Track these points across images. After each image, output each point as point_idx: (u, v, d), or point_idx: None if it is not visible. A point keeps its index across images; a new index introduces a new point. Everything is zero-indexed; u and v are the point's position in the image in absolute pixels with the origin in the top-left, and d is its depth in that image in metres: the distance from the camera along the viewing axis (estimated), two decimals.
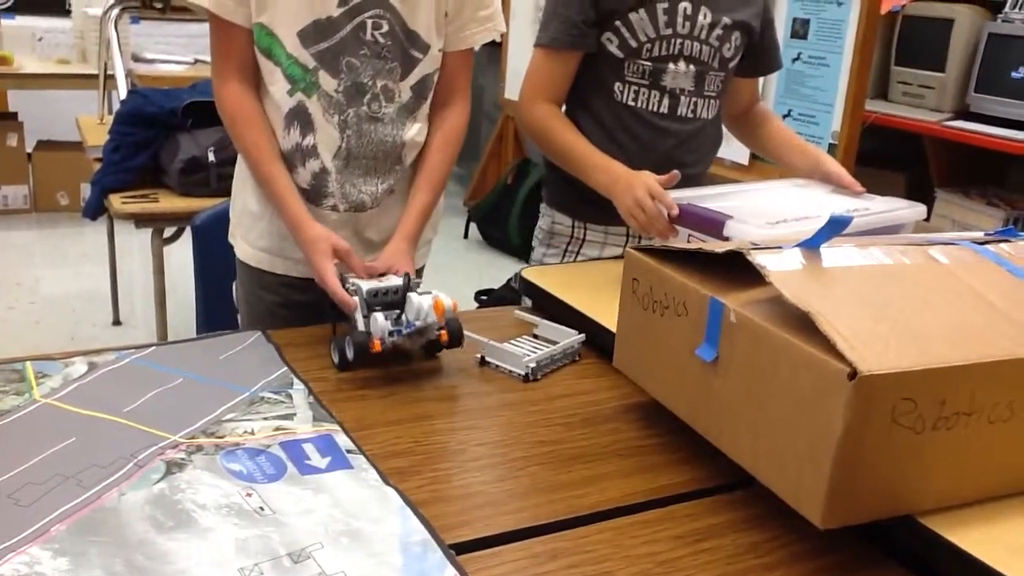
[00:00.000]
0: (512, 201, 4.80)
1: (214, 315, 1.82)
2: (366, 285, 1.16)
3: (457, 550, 0.78)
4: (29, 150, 4.47)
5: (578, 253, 1.61)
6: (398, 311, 1.13)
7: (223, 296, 1.54)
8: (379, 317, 1.11)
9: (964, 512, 0.81)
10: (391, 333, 1.11)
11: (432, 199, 1.43)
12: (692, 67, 1.49)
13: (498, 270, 4.26)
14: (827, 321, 0.75)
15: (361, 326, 1.13)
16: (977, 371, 0.77)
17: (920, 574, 0.80)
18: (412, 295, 1.13)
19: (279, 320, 1.35)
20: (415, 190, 1.45)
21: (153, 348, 1.12)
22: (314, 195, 1.36)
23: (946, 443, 0.78)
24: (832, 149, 2.81)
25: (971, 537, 0.77)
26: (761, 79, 1.72)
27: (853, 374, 0.72)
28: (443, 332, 1.13)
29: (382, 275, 1.22)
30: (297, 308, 1.42)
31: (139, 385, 1.02)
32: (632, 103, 1.50)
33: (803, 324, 0.82)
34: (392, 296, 1.15)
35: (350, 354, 1.10)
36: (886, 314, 0.80)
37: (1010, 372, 0.79)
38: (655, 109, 1.50)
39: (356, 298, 1.15)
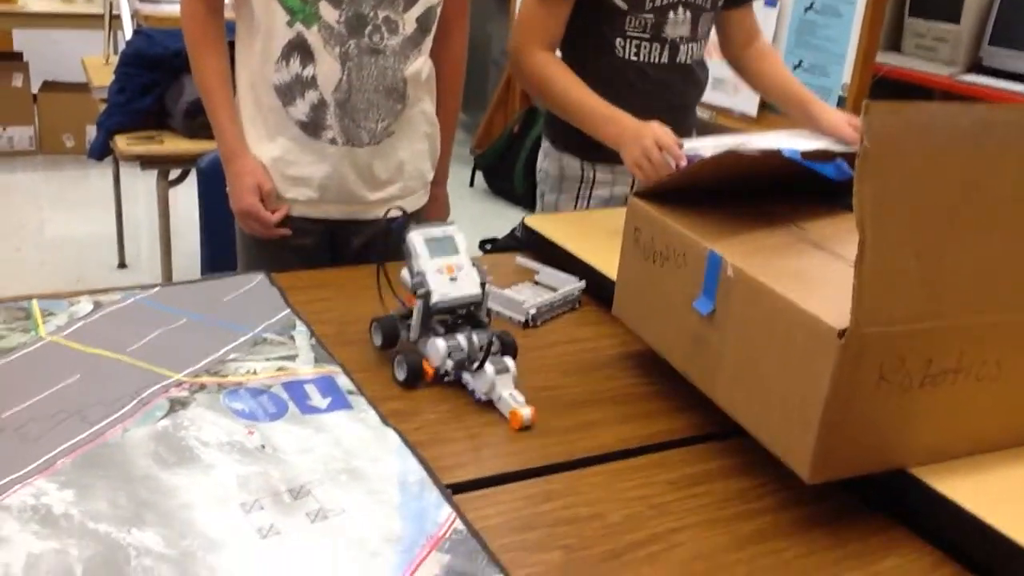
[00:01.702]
0: (518, 150, 4.79)
1: (219, 258, 1.83)
2: (437, 288, 0.96)
3: (453, 490, 0.80)
4: (34, 91, 4.45)
5: (590, 196, 1.61)
6: (464, 346, 0.96)
7: (228, 239, 1.55)
8: (440, 347, 0.95)
9: (952, 464, 0.82)
10: (447, 372, 0.96)
11: (450, 130, 1.45)
12: (688, 13, 1.48)
13: (503, 219, 4.26)
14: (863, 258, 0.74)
15: (415, 334, 0.98)
16: (965, 331, 0.78)
17: (905, 523, 0.82)
18: (488, 368, 0.93)
19: (280, 263, 1.37)
20: (442, 133, 1.48)
21: (158, 288, 1.13)
22: (312, 128, 1.37)
23: (934, 400, 0.79)
24: (841, 102, 2.79)
25: (957, 487, 0.79)
26: (772, 27, 1.70)
27: (843, 332, 0.73)
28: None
29: (448, 242, 1.01)
30: (299, 251, 1.44)
31: (143, 324, 1.03)
32: (634, 58, 1.49)
33: (798, 280, 0.83)
34: (463, 305, 0.98)
35: (400, 376, 0.97)
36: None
37: (998, 332, 0.80)
38: (656, 61, 1.50)
39: (420, 301, 0.97)
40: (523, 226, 1.40)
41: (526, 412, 0.91)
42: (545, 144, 1.67)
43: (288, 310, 1.11)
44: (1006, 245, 0.80)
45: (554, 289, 1.22)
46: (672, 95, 1.53)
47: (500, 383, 0.93)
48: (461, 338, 0.96)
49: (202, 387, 0.91)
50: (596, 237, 1.33)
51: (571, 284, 1.22)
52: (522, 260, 1.31)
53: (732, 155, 0.90)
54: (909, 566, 0.77)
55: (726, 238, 0.91)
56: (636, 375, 1.04)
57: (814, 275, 0.86)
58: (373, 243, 1.47)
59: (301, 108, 1.35)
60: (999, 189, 0.79)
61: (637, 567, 0.74)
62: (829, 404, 0.75)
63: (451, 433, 0.90)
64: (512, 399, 0.92)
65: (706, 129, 1.68)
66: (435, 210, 1.64)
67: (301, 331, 1.06)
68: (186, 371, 0.94)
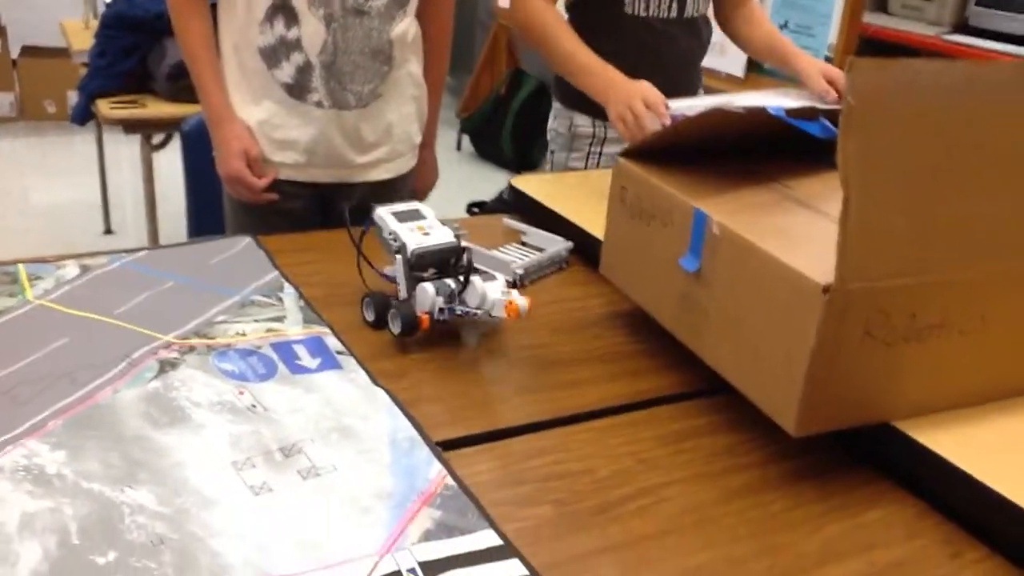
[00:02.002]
0: (505, 113, 4.76)
1: (205, 223, 1.83)
2: (412, 241, 0.98)
3: (443, 447, 0.81)
4: (13, 56, 4.39)
5: (600, 153, 1.61)
6: (451, 283, 0.97)
7: (214, 203, 1.55)
8: (428, 288, 0.95)
9: (935, 417, 0.84)
10: (442, 310, 0.96)
11: (438, 92, 1.44)
12: None
13: (490, 182, 4.25)
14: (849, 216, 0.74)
15: (403, 292, 0.99)
16: (949, 286, 0.79)
17: (890, 475, 0.83)
18: (476, 280, 0.96)
19: (269, 227, 1.37)
20: (430, 95, 1.47)
21: (145, 252, 1.13)
22: (297, 90, 1.36)
23: (918, 355, 0.80)
24: (828, 62, 2.78)
25: (940, 440, 0.80)
26: None
27: (827, 288, 0.74)
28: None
29: (414, 212, 1.04)
30: (288, 215, 1.43)
31: (131, 288, 1.03)
32: (644, 13, 1.48)
33: (784, 237, 0.84)
34: (441, 256, 1.00)
35: (395, 329, 0.97)
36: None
37: (982, 286, 0.81)
38: (665, 15, 1.49)
39: (399, 258, 0.99)
40: (510, 188, 1.40)
41: (522, 301, 0.93)
42: (556, 104, 1.67)
43: (276, 272, 1.11)
44: (989, 200, 0.80)
45: (541, 250, 1.23)
46: (678, 50, 1.53)
47: (491, 290, 0.95)
48: (447, 280, 0.97)
49: (191, 349, 0.92)
50: (583, 198, 1.33)
51: (558, 244, 1.22)
52: (509, 221, 1.31)
53: (718, 113, 0.90)
54: (893, 517, 0.79)
55: (712, 196, 0.91)
56: (624, 333, 1.05)
57: (799, 232, 0.87)
58: (363, 207, 1.47)
59: (286, 71, 1.35)
60: (983, 145, 0.79)
61: (626, 521, 0.75)
62: (814, 359, 0.76)
63: (440, 392, 0.91)
64: (504, 295, 0.94)
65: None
66: (424, 173, 1.64)
67: (289, 293, 1.06)
68: (175, 333, 0.94)
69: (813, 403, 0.78)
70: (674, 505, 0.77)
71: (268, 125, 1.40)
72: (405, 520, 0.71)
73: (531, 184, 1.39)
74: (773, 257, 0.80)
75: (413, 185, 1.63)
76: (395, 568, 0.66)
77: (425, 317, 0.95)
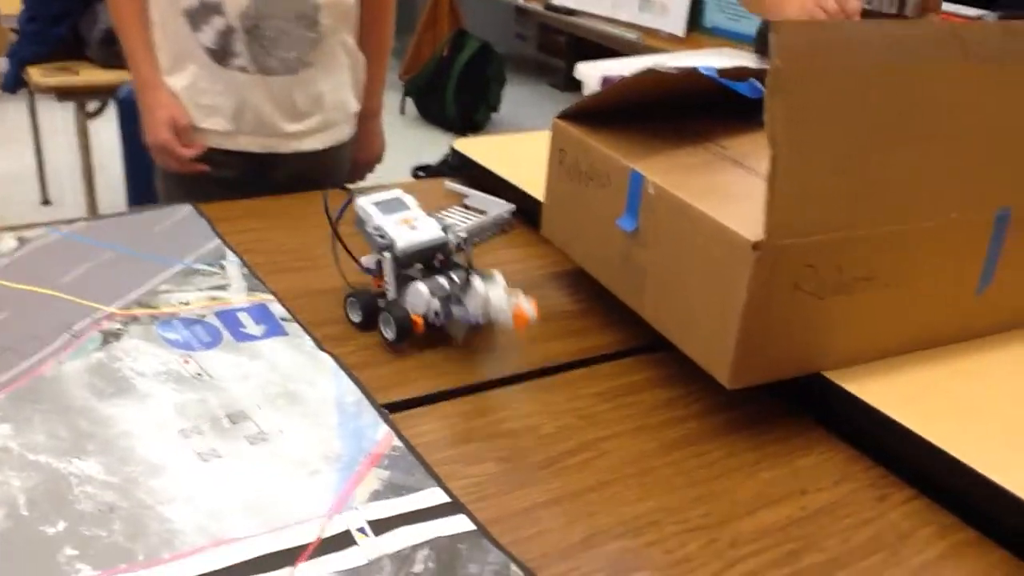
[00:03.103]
0: (448, 74, 4.74)
1: (144, 191, 1.81)
2: (400, 237, 0.92)
3: (390, 409, 0.82)
4: None
5: None
6: (445, 283, 0.92)
7: (152, 172, 1.53)
8: (423, 290, 0.90)
9: (864, 367, 0.87)
10: (437, 314, 0.90)
11: (380, 61, 1.43)
12: None
13: (435, 145, 4.23)
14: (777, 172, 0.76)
15: (392, 291, 0.93)
16: (875, 241, 0.82)
17: (822, 423, 0.86)
18: (477, 282, 0.90)
19: (202, 196, 1.36)
20: (370, 63, 1.45)
21: (84, 223, 1.12)
22: (220, 55, 1.35)
23: (846, 307, 0.84)
24: (772, 26, 2.80)
25: (868, 388, 0.84)
26: None
27: (757, 244, 0.76)
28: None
29: (396, 202, 0.97)
30: (221, 184, 1.42)
31: (71, 259, 1.02)
32: None
33: (716, 196, 0.86)
34: (431, 252, 0.94)
35: (389, 335, 0.91)
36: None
37: (906, 241, 0.84)
38: None
39: (387, 256, 0.92)
40: (453, 151, 1.40)
41: (530, 309, 0.88)
42: None
43: (218, 240, 1.11)
44: (916, 157, 0.83)
45: (484, 212, 1.24)
46: None
47: (493, 293, 0.90)
48: (439, 278, 0.92)
49: (135, 319, 0.92)
50: (525, 160, 1.34)
51: (501, 207, 1.24)
52: (451, 185, 1.32)
53: (651, 73, 0.92)
54: (825, 463, 0.82)
55: (648, 157, 0.93)
56: (566, 293, 1.07)
57: (731, 191, 0.89)
58: (300, 177, 1.46)
59: (209, 34, 1.33)
60: (909, 103, 0.82)
61: (570, 474, 0.77)
62: (746, 313, 0.79)
63: (385, 355, 0.92)
64: (510, 303, 0.89)
65: (634, 50, 1.68)
66: (367, 144, 1.63)
67: (232, 261, 1.06)
68: (117, 303, 0.94)
69: (746, 356, 0.81)
70: (615, 458, 0.80)
71: (193, 90, 1.38)
72: (353, 481, 0.73)
73: (474, 147, 1.40)
74: (706, 215, 0.82)
75: (354, 156, 1.62)
76: (344, 528, 0.68)
77: (419, 320, 0.90)
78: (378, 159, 1.69)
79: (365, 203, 0.95)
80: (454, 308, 0.91)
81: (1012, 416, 0.83)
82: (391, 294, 0.93)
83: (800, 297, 0.80)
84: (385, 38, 1.58)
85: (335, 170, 1.55)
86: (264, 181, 1.48)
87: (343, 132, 1.54)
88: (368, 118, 1.59)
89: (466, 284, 0.90)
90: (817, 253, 0.79)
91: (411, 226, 0.94)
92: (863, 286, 0.84)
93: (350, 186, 1.23)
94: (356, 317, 0.95)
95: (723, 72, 0.88)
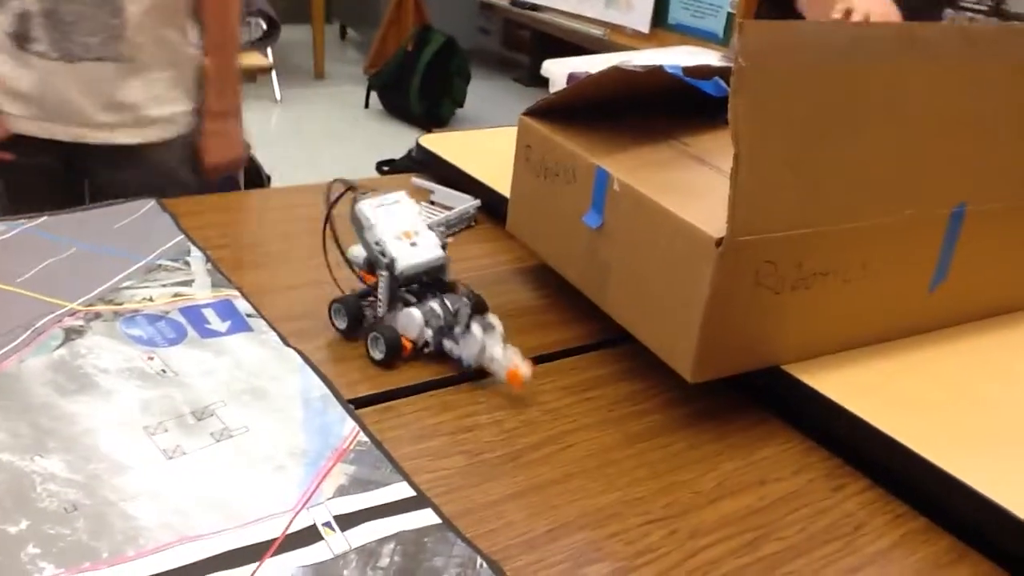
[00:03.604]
0: (413, 69, 4.73)
1: None
2: (402, 256, 0.89)
3: (356, 404, 0.83)
4: None
5: None
6: (439, 311, 0.89)
7: None
8: (416, 317, 0.88)
9: (822, 360, 0.89)
10: (427, 343, 0.89)
11: (220, 61, 1.39)
12: None
13: (400, 139, 4.22)
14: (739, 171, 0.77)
15: (383, 308, 0.91)
16: (833, 236, 0.84)
17: (780, 416, 0.88)
18: (476, 329, 0.87)
19: (19, 184, 1.33)
20: (210, 60, 1.43)
21: (45, 218, 1.11)
22: (19, 39, 1.33)
23: (805, 302, 0.85)
24: (731, 18, 2.84)
25: (826, 380, 0.86)
26: None
27: (720, 241, 0.78)
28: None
29: (393, 206, 0.93)
30: (38, 172, 1.40)
31: (31, 255, 1.01)
32: None
33: (680, 193, 0.87)
34: (428, 273, 0.92)
35: (376, 355, 0.89)
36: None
37: (863, 236, 0.86)
38: None
39: (385, 274, 0.90)
40: (418, 146, 1.40)
41: (525, 369, 0.85)
42: None
43: (182, 236, 1.10)
44: (874, 154, 0.85)
45: (450, 208, 1.24)
46: None
47: (490, 343, 0.87)
48: (434, 304, 0.89)
49: (97, 315, 0.91)
50: (490, 156, 1.34)
51: (466, 202, 1.24)
52: (417, 180, 1.32)
53: (616, 71, 0.93)
54: (783, 454, 0.84)
55: (613, 154, 0.94)
56: (531, 289, 1.08)
57: (695, 188, 0.90)
58: (124, 173, 1.44)
59: (7, 18, 1.31)
60: (869, 102, 0.84)
61: (534, 467, 0.78)
62: (708, 308, 0.80)
63: (351, 351, 0.92)
64: (506, 358, 0.86)
65: (599, 46, 1.70)
66: (213, 146, 1.57)
67: (196, 256, 1.05)
68: (80, 300, 0.93)
69: (708, 350, 0.83)
70: (579, 450, 0.81)
71: None
72: (320, 476, 0.73)
73: (439, 142, 1.40)
74: (670, 212, 0.83)
75: (194, 157, 1.55)
76: (311, 523, 0.68)
77: (408, 344, 0.89)
78: (232, 164, 1.62)
79: (367, 208, 0.91)
80: (445, 341, 0.89)
81: (962, 408, 0.85)
82: (381, 310, 0.91)
83: (761, 292, 0.82)
84: (221, 34, 1.51)
85: (171, 170, 1.51)
86: (83, 172, 1.46)
87: (166, 130, 1.50)
88: (212, 118, 1.53)
89: (465, 328, 0.87)
90: (778, 249, 0.81)
91: (411, 242, 0.91)
92: (821, 282, 0.85)
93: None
94: (341, 324, 0.93)
95: (688, 70, 0.89)
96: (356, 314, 0.92)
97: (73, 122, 1.41)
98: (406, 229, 0.91)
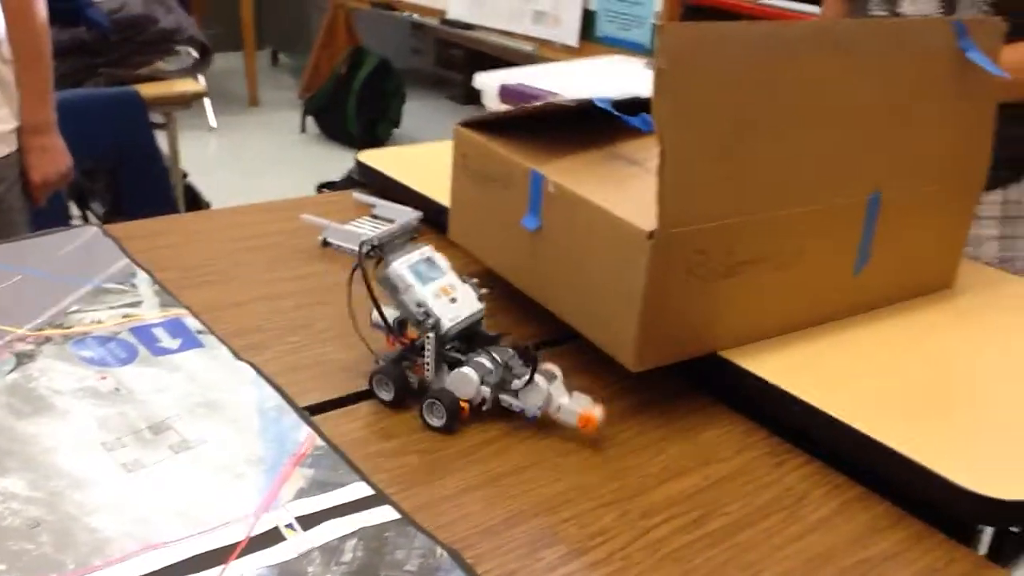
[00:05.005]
0: (348, 91, 4.74)
1: None
2: (445, 315, 0.85)
3: (311, 411, 0.85)
4: None
5: None
6: (490, 366, 0.85)
7: None
8: (472, 376, 0.84)
9: (758, 344, 0.93)
10: (484, 400, 0.85)
11: (35, 75, 1.37)
12: None
13: (338, 161, 4.22)
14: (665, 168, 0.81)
15: (431, 372, 0.86)
16: (762, 225, 0.88)
17: (722, 399, 0.92)
18: (540, 379, 0.84)
19: None
20: (21, 73, 1.41)
21: None
22: None
23: (737, 289, 0.89)
24: (654, 28, 2.90)
25: (763, 363, 0.90)
26: None
27: (652, 233, 0.81)
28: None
29: (428, 262, 0.89)
30: None
31: None
32: None
33: (613, 192, 0.91)
34: (469, 328, 0.88)
35: (436, 423, 0.85)
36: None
37: (793, 223, 0.90)
38: None
39: (431, 336, 0.85)
40: (357, 163, 1.43)
41: (597, 412, 0.83)
42: None
43: (126, 260, 1.11)
44: (798, 145, 0.90)
45: (392, 221, 1.27)
46: None
47: (556, 392, 0.85)
48: (483, 360, 0.85)
49: (47, 339, 0.92)
50: (428, 169, 1.37)
51: (408, 215, 1.27)
52: (358, 196, 1.34)
53: (549, 105, 0.97)
54: (726, 435, 0.88)
55: (548, 159, 0.98)
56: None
57: (627, 186, 0.94)
58: None
59: None
60: (788, 96, 0.88)
61: (487, 461, 0.81)
62: (645, 300, 0.84)
63: (302, 361, 0.94)
64: (575, 403, 0.84)
65: (530, 61, 1.74)
66: (36, 162, 1.53)
67: (143, 278, 1.06)
68: (29, 325, 0.94)
69: (648, 340, 0.86)
70: (531, 444, 0.84)
71: None
72: (279, 481, 0.75)
73: (377, 158, 1.42)
74: (604, 209, 0.87)
75: (23, 175, 1.52)
76: (273, 525, 0.70)
77: (466, 405, 0.84)
78: (58, 178, 1.57)
79: (401, 269, 0.87)
80: (503, 396, 0.86)
81: (888, 382, 0.90)
82: (429, 375, 0.86)
83: (693, 281, 0.86)
84: (27, 45, 1.45)
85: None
86: None
87: None
88: (31, 133, 1.48)
89: (529, 382, 0.84)
90: (707, 239, 0.85)
91: (451, 297, 0.87)
92: (751, 269, 0.90)
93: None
94: (387, 395, 0.88)
95: (617, 104, 0.93)
96: (402, 383, 0.87)
97: None
98: (443, 285, 0.88)
